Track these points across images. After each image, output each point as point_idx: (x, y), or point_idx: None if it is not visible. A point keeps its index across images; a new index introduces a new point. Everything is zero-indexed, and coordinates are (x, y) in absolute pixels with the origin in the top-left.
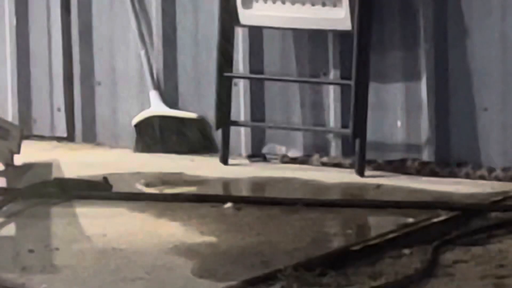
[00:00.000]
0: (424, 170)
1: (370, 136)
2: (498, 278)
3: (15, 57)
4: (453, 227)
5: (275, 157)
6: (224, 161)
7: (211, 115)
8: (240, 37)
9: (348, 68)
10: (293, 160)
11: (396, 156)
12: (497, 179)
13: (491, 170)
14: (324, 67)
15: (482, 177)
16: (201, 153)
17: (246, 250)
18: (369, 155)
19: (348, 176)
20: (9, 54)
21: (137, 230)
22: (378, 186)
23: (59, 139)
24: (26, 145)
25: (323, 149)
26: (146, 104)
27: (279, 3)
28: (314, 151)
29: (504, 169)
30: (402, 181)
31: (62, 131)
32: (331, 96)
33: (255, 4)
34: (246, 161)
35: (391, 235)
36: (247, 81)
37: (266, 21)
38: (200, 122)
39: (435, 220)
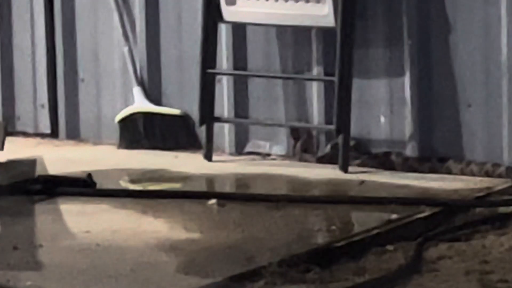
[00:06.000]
0: (407, 165)
1: (353, 132)
2: (482, 274)
3: None
4: (437, 223)
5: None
6: (208, 157)
7: (194, 112)
8: (224, 33)
9: (331, 64)
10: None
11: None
12: (473, 173)
13: (468, 164)
14: (307, 63)
15: (462, 172)
16: (185, 149)
17: (230, 246)
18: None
19: (332, 172)
20: None
21: (121, 226)
22: (362, 182)
23: (43, 135)
24: (9, 141)
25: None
26: (129, 100)
27: None
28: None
29: (478, 164)
30: (386, 177)
31: (45, 128)
32: (315, 92)
33: (238, 1)
34: (230, 157)
35: (375, 231)
36: (230, 78)
37: (249, 17)
38: (183, 119)
39: (419, 216)
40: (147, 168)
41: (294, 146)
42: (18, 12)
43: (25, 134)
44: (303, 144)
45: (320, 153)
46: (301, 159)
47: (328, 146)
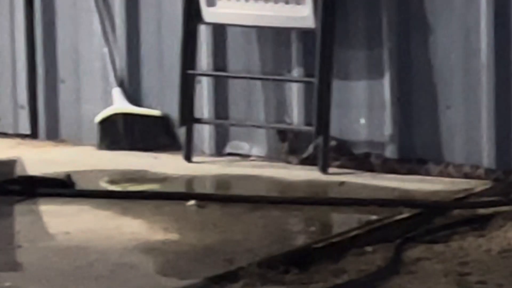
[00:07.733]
0: (386, 166)
1: (333, 133)
2: (460, 275)
3: None
4: (415, 225)
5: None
6: (188, 158)
7: (174, 113)
8: (204, 34)
9: (311, 65)
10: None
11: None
12: (452, 175)
13: (447, 165)
14: (287, 64)
15: (441, 173)
16: (165, 150)
17: (209, 247)
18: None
19: (311, 174)
20: None
21: (100, 227)
22: (342, 183)
23: (23, 136)
24: None
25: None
26: (109, 101)
27: (242, 1)
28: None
29: (458, 165)
30: (366, 178)
31: (25, 129)
32: (295, 93)
33: (218, 2)
34: (210, 159)
35: (354, 233)
36: (210, 79)
37: (229, 18)
38: (163, 120)
39: (398, 217)
40: (126, 169)
41: (282, 148)
42: None
43: (4, 135)
44: (289, 146)
45: (303, 155)
46: (286, 161)
47: (311, 147)
